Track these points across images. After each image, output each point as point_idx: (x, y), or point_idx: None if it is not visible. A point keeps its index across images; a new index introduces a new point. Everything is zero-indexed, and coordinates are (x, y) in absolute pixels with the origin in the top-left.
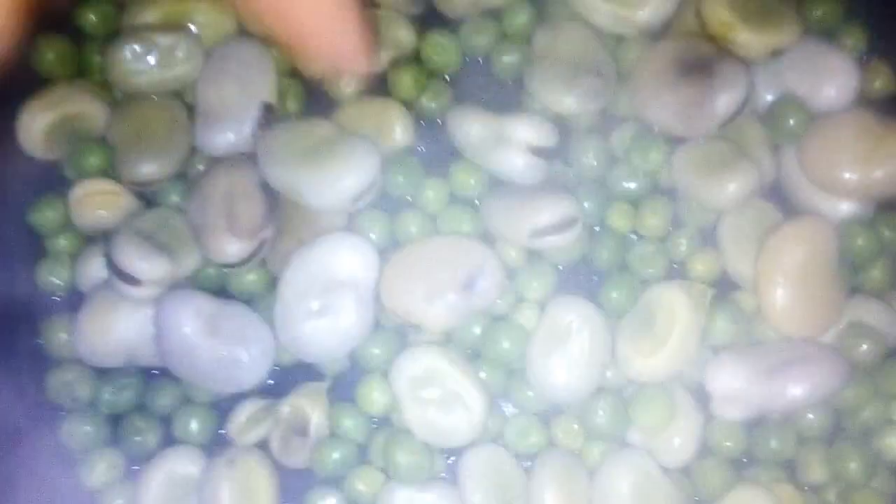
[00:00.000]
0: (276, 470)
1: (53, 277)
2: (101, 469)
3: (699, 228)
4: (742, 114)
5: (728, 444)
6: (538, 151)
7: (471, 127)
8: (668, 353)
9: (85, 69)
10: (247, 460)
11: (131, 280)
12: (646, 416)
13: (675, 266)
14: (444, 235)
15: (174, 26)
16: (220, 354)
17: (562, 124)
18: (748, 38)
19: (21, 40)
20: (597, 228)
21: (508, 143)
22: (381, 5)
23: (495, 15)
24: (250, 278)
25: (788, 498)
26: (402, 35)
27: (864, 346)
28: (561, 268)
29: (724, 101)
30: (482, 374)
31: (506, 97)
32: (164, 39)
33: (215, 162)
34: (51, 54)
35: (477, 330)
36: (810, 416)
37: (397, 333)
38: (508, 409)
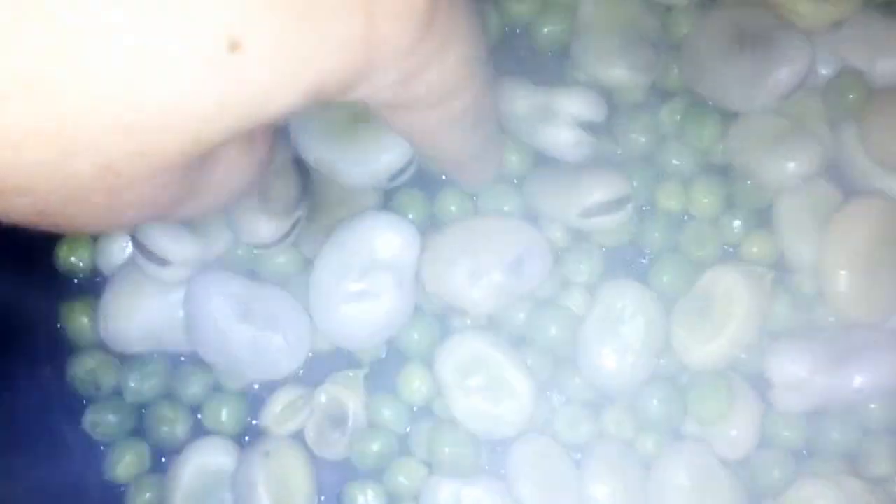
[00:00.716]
0: (313, 462)
1: (74, 258)
2: (127, 461)
3: (754, 209)
4: (801, 89)
5: (788, 435)
6: (587, 126)
7: (514, 101)
8: (726, 340)
9: None
10: (283, 452)
11: (159, 260)
12: (702, 406)
13: (728, 248)
14: (489, 215)
15: None
16: (253, 339)
17: (609, 100)
18: (809, 8)
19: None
20: (646, 208)
21: (555, 118)
22: None
23: None
24: (281, 260)
25: (854, 492)
26: None
27: None
28: (607, 249)
29: (786, 74)
30: (529, 362)
31: (547, 70)
32: None
33: None
34: None
35: (522, 315)
36: (874, 406)
37: (439, 319)
38: (556, 398)
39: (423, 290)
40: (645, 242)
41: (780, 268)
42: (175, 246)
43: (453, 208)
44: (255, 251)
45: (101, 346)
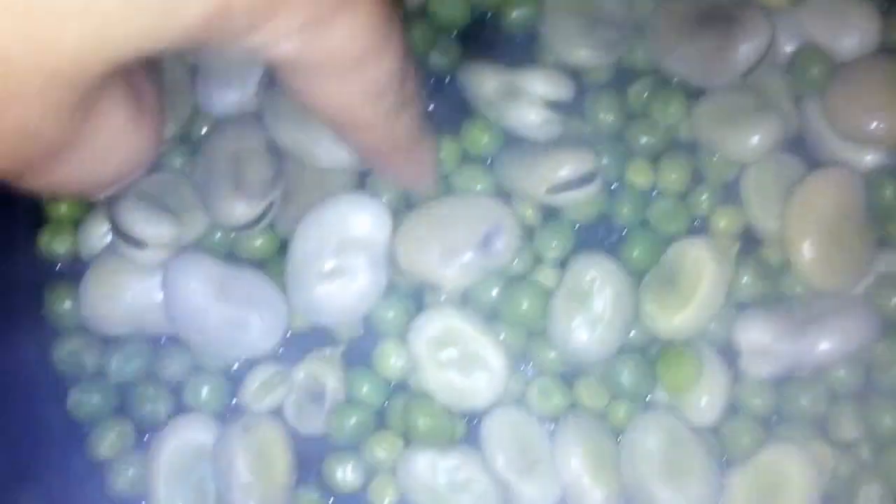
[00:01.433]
0: (292, 437)
1: (55, 245)
2: (110, 439)
3: (721, 183)
4: (763, 64)
5: (757, 401)
6: (554, 105)
7: (483, 82)
8: (693, 310)
9: None
10: (262, 427)
11: (136, 243)
12: (672, 374)
13: (696, 222)
14: (459, 194)
15: None
16: (230, 319)
17: (577, 80)
18: None
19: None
20: (615, 185)
21: (523, 98)
22: None
23: None
24: (259, 243)
25: (821, 455)
26: None
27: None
28: (579, 226)
29: (746, 49)
30: (502, 336)
31: (517, 53)
32: None
33: (220, 123)
34: None
35: (495, 290)
36: (841, 371)
37: (413, 296)
38: (529, 371)
39: (396, 268)
40: (615, 218)
41: (748, 240)
42: (152, 229)
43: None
44: (232, 234)
45: (84, 329)
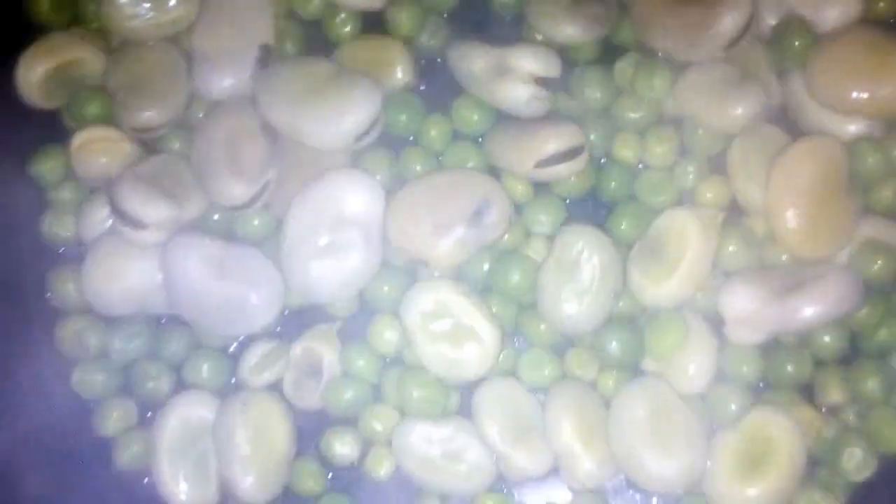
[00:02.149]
0: (290, 411)
1: (58, 229)
2: (114, 417)
3: (707, 156)
4: (746, 38)
5: (744, 368)
6: (541, 82)
7: (472, 61)
8: (679, 279)
9: (80, 17)
10: (260, 402)
11: (136, 224)
12: (659, 343)
13: (683, 195)
14: (450, 170)
15: None
16: (228, 297)
17: (564, 56)
18: None
19: None
20: (603, 160)
21: (511, 75)
22: None
23: None
24: (256, 223)
25: (807, 420)
26: None
27: (878, 264)
28: (569, 201)
29: (728, 22)
30: (493, 309)
31: (505, 32)
32: None
33: (215, 106)
34: (46, 3)
35: (486, 264)
36: (826, 338)
37: (406, 272)
38: (520, 342)
39: (390, 244)
40: (603, 193)
41: (733, 210)
42: (151, 210)
43: (417, 167)
44: (229, 214)
45: (87, 310)
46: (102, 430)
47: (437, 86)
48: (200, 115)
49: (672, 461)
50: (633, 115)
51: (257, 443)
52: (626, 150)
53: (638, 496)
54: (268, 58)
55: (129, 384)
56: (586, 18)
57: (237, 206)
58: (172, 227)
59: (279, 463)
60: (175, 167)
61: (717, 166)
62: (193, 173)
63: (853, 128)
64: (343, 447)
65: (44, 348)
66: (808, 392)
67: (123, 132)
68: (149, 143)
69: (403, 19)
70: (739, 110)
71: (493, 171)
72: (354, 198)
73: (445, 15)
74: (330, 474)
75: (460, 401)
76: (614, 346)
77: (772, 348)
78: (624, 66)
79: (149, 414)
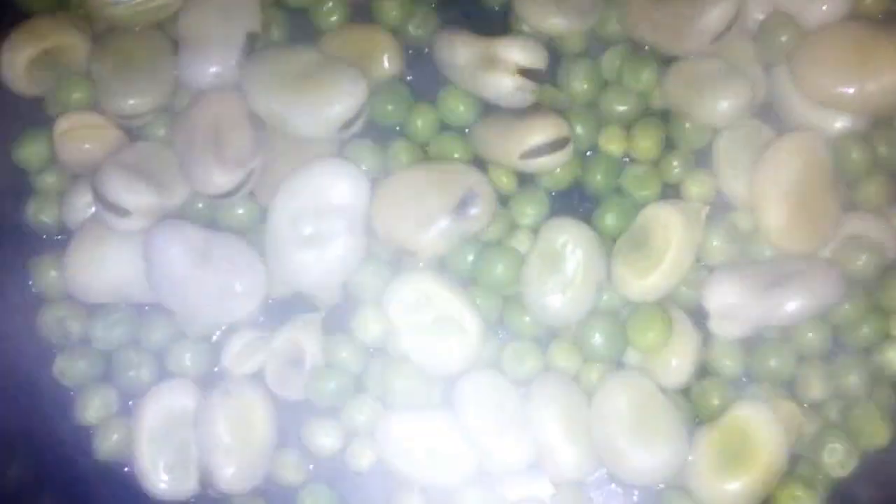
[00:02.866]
0: (273, 402)
1: (42, 215)
2: (95, 405)
3: (692, 149)
4: (733, 32)
5: (727, 363)
6: (527, 73)
7: (458, 51)
8: (663, 272)
9: (65, 2)
10: (243, 391)
11: (119, 211)
12: (642, 336)
13: (669, 188)
14: (435, 161)
15: None
16: (211, 285)
17: (551, 48)
18: None
19: None
20: (589, 153)
21: (497, 66)
22: None
23: None
24: (240, 211)
25: (789, 414)
26: None
27: (862, 259)
28: (554, 194)
29: (715, 15)
30: (477, 301)
31: (493, 22)
32: None
33: (200, 93)
34: None
35: (470, 256)
36: (809, 333)
37: (390, 262)
38: (504, 334)
39: (374, 234)
40: (589, 185)
41: (719, 205)
42: (134, 197)
43: (403, 158)
44: (213, 203)
45: (69, 298)
46: (83, 418)
47: (424, 76)
48: (185, 102)
49: (653, 454)
50: (619, 108)
51: (239, 432)
52: (611, 143)
53: (619, 489)
54: (254, 45)
55: (110, 372)
56: (574, 9)
57: (221, 195)
58: (156, 214)
59: (260, 453)
60: (159, 154)
61: (702, 160)
62: (177, 161)
63: (839, 123)
64: (325, 438)
65: (24, 335)
66: (790, 387)
67: (107, 118)
68: (133, 130)
69: (391, 8)
70: (725, 104)
71: (479, 162)
72: (339, 187)
73: (433, 4)
74: (311, 465)
75: (443, 392)
76: (598, 339)
77: (754, 343)
78: (611, 59)
79: (130, 402)
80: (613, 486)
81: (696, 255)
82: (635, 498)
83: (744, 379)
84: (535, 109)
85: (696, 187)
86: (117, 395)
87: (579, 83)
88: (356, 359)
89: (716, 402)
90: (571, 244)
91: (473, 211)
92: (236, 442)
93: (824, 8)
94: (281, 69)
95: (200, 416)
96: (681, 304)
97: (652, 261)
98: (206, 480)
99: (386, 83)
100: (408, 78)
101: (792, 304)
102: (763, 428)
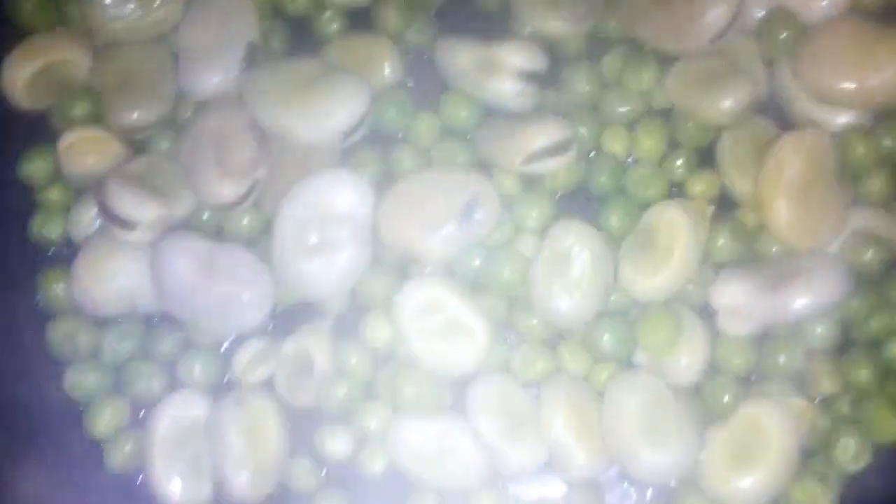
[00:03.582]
0: (283, 409)
1: (47, 230)
2: (106, 418)
3: (696, 148)
4: (734, 29)
5: (736, 360)
6: (528, 77)
7: (459, 56)
8: (670, 272)
9: (65, 18)
10: (253, 400)
11: (125, 224)
12: (651, 336)
13: (673, 188)
14: (439, 167)
15: None
16: (219, 295)
17: (552, 51)
18: None
19: None
20: (592, 154)
21: (498, 70)
22: None
23: None
24: (245, 222)
25: (800, 411)
26: None
27: (869, 254)
28: (558, 196)
29: (716, 14)
30: (485, 305)
31: (492, 28)
32: None
33: (203, 105)
34: (29, 4)
35: (477, 260)
36: (818, 328)
37: (397, 268)
38: (513, 338)
39: (381, 241)
40: (593, 187)
41: (724, 203)
42: (140, 210)
43: (407, 164)
44: (219, 214)
45: (78, 311)
46: (95, 431)
47: (425, 82)
48: (188, 115)
49: (665, 453)
50: (621, 109)
51: (250, 441)
52: (615, 144)
53: (632, 488)
54: (254, 56)
55: (120, 384)
56: (573, 11)
57: (226, 206)
58: (162, 226)
59: (273, 461)
60: (163, 166)
61: (706, 159)
62: (182, 173)
63: (842, 118)
64: (337, 444)
65: (34, 350)
66: (800, 383)
67: (111, 132)
68: (137, 143)
69: (390, 15)
70: (728, 102)
71: (483, 167)
72: (343, 196)
73: (432, 10)
74: (324, 471)
75: (453, 396)
76: (606, 340)
77: (763, 339)
78: (612, 60)
79: (141, 414)
80: (626, 485)
81: (702, 254)
82: (648, 496)
83: (753, 376)
84: (537, 113)
85: (700, 186)
86: (128, 406)
87: (581, 85)
88: (366, 365)
89: (726, 399)
90: (578, 246)
91: (478, 215)
92: (249, 451)
93: (824, 3)
94: (282, 79)
95: (212, 425)
96: (689, 303)
97: (659, 261)
98: (219, 490)
99: (387, 90)
100: (409, 84)
101: (800, 301)
102: (774, 424)
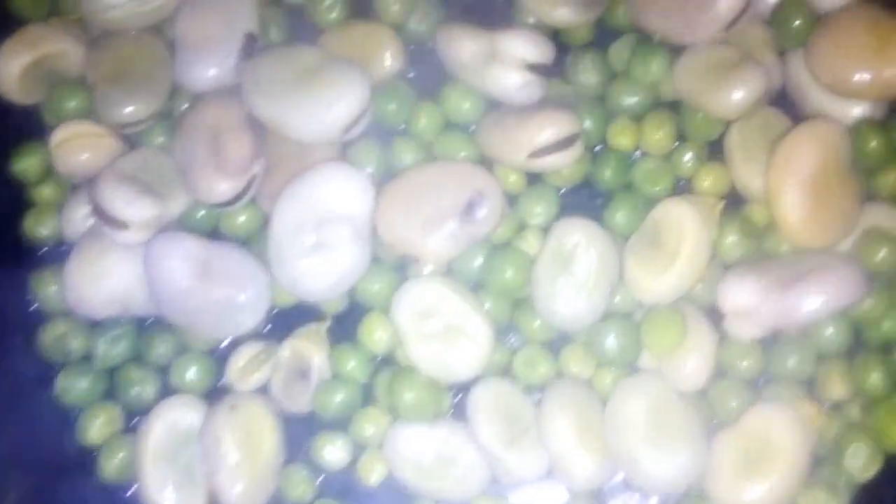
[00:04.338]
0: (280, 415)
1: (40, 228)
2: (99, 423)
3: (705, 141)
4: (745, 18)
5: (744, 363)
6: (534, 68)
7: (462, 46)
8: (677, 271)
9: (59, 8)
10: (249, 406)
11: (118, 224)
12: (657, 339)
13: (681, 183)
14: (440, 162)
15: None
16: (214, 297)
17: (558, 41)
18: None
19: None
20: (598, 148)
21: (502, 61)
22: None
23: None
24: (242, 219)
25: (809, 416)
26: None
27: (883, 253)
28: (563, 191)
29: (727, 2)
30: (486, 306)
31: (496, 17)
32: None
33: (199, 98)
34: None
35: (479, 259)
36: (828, 330)
37: (397, 269)
38: (515, 341)
39: (380, 240)
40: (599, 182)
41: (733, 199)
42: (133, 209)
43: (408, 158)
44: (215, 211)
45: (69, 314)
46: (87, 438)
47: (427, 73)
48: (183, 108)
49: (671, 460)
50: (629, 101)
51: (246, 448)
52: (622, 137)
53: (637, 497)
54: (252, 46)
55: (113, 389)
56: (579, 0)
57: (222, 203)
58: (156, 225)
59: (268, 469)
60: (158, 162)
61: (715, 153)
62: (177, 169)
63: (856, 110)
64: (334, 452)
65: (24, 354)
66: (810, 387)
67: (105, 127)
68: (131, 138)
69: (391, 4)
70: (739, 94)
71: (486, 162)
72: (343, 193)
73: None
74: (320, 479)
75: (453, 402)
76: (611, 343)
77: (772, 342)
78: (619, 50)
79: (134, 420)
80: (631, 493)
81: (710, 253)
82: None
83: (762, 379)
84: (542, 105)
85: (709, 181)
86: (121, 412)
87: (587, 76)
88: (364, 369)
89: (734, 404)
90: (584, 244)
91: (481, 213)
92: (243, 458)
93: None
94: (280, 71)
95: (206, 432)
96: (696, 304)
97: (666, 260)
98: (213, 499)
99: (388, 81)
100: (410, 75)
101: (811, 303)
102: (784, 430)
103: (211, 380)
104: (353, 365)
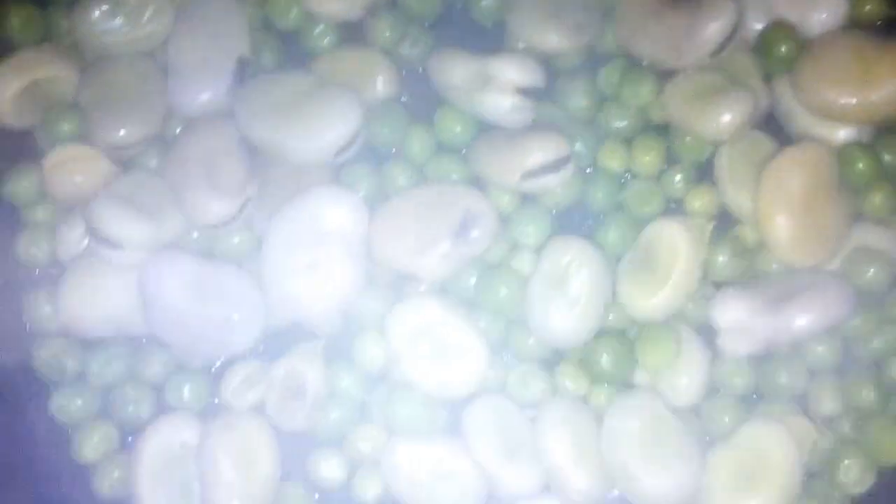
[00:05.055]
0: (275, 433)
1: (34, 250)
2: (94, 442)
3: (694, 164)
4: (732, 44)
5: (737, 380)
6: (525, 92)
7: (454, 71)
8: (670, 291)
9: (52, 32)
10: (245, 424)
11: (113, 245)
12: (651, 356)
13: (671, 204)
14: (433, 184)
15: None
16: (209, 317)
17: (548, 65)
18: None
19: None
20: (589, 170)
21: (493, 85)
22: None
23: None
24: (236, 240)
25: (802, 432)
26: None
27: (871, 271)
28: (555, 212)
29: (714, 28)
30: (481, 325)
31: (488, 42)
32: None
33: (192, 121)
34: (16, 19)
35: (472, 279)
36: (819, 347)
37: (391, 288)
38: (509, 358)
39: (374, 260)
40: (590, 203)
41: (723, 219)
42: (128, 230)
43: (401, 180)
44: (209, 233)
45: (64, 333)
46: (82, 456)
47: (419, 97)
48: (177, 131)
49: (666, 476)
50: (618, 124)
51: (241, 467)
52: (612, 160)
53: None
54: (245, 71)
55: (108, 408)
56: (569, 26)
57: (216, 224)
58: (150, 246)
59: (264, 487)
60: (152, 185)
61: (705, 175)
62: (171, 191)
63: (842, 133)
64: (330, 469)
65: (19, 373)
66: (802, 403)
67: (98, 150)
68: (125, 161)
69: (383, 29)
70: (727, 117)
71: (478, 183)
72: (336, 214)
73: (426, 24)
74: (317, 497)
75: (449, 419)
76: (605, 360)
77: (765, 359)
78: (609, 74)
79: (129, 438)
80: None
81: (702, 272)
82: None
83: (754, 396)
84: (533, 128)
85: (699, 202)
86: (116, 431)
87: (577, 99)
88: (359, 387)
89: (727, 420)
90: (576, 263)
91: (474, 233)
92: (239, 477)
93: (824, 16)
94: (273, 95)
95: (201, 451)
96: (688, 322)
97: (658, 279)
98: None
99: (381, 105)
100: (403, 99)
101: (802, 320)
102: (776, 446)
103: (205, 398)
104: (348, 382)
